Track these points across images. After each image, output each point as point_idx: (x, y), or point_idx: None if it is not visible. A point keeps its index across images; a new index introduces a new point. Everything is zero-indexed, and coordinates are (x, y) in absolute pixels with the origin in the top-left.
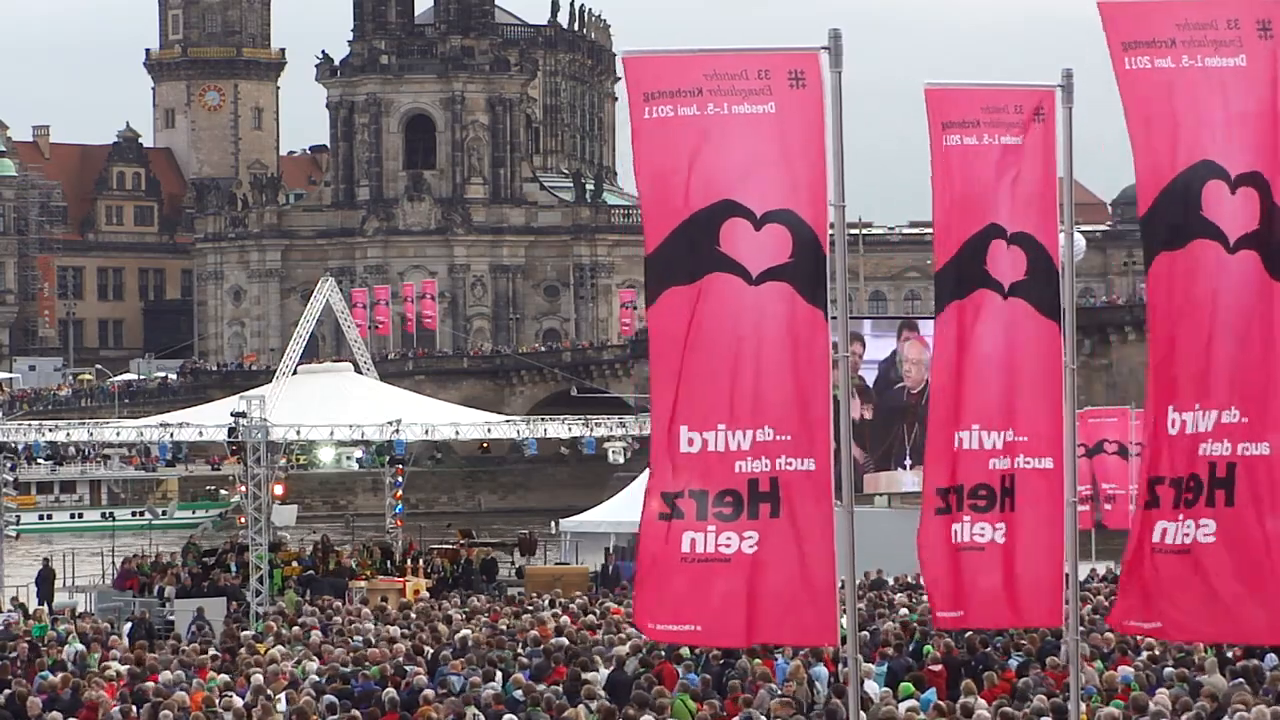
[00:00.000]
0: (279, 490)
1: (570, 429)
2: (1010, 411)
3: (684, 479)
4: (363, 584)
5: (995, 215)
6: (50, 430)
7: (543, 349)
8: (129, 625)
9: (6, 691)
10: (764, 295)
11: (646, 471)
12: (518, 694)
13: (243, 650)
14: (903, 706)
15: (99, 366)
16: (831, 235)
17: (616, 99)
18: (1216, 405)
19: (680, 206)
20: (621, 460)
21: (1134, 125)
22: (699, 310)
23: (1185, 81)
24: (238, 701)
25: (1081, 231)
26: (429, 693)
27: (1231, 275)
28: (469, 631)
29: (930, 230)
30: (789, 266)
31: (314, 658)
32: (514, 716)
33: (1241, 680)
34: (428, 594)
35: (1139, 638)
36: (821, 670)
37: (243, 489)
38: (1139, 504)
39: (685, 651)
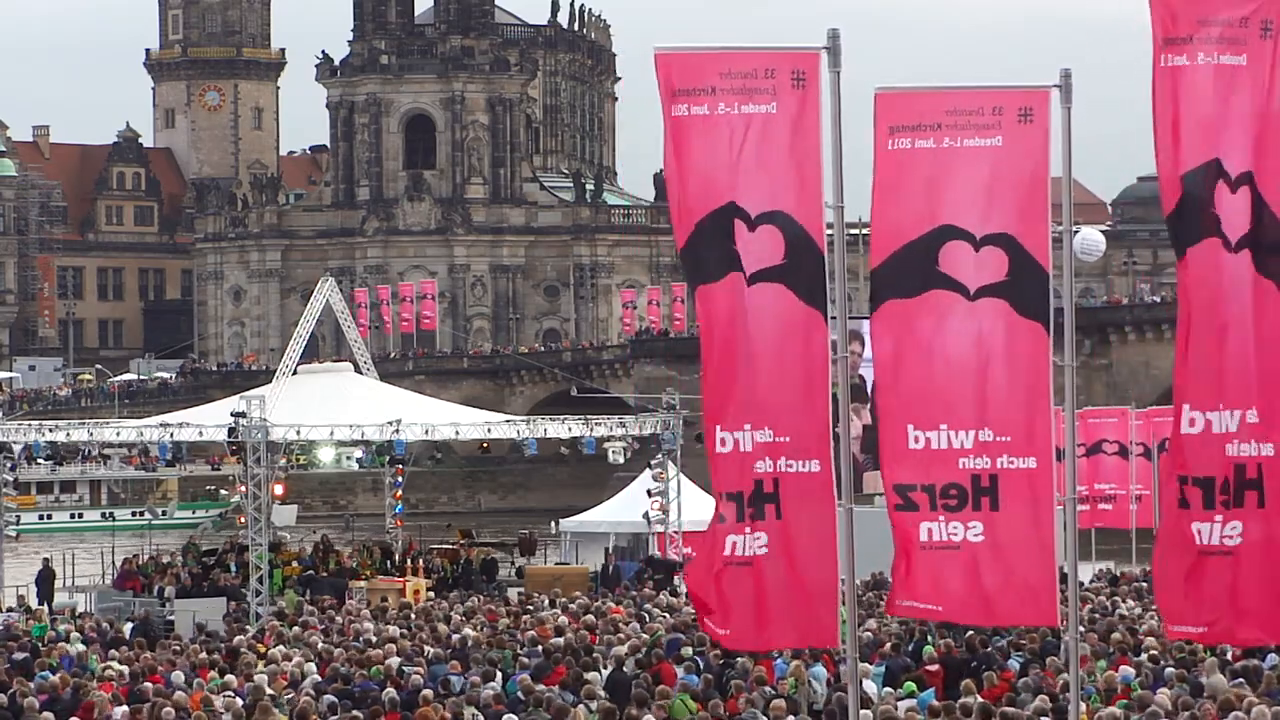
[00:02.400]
0: (279, 490)
1: (570, 429)
2: (983, 411)
3: (720, 480)
4: (363, 584)
5: (953, 217)
6: (50, 430)
7: (543, 349)
8: (129, 625)
9: (8, 692)
10: (758, 296)
11: (647, 471)
12: (519, 694)
13: (243, 650)
14: (903, 705)
15: (99, 366)
16: (831, 235)
17: (616, 99)
18: (1240, 405)
19: (697, 205)
20: (621, 460)
21: (1161, 122)
22: (716, 309)
23: (1204, 78)
24: (238, 701)
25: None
26: (429, 693)
27: (1234, 274)
28: (469, 631)
29: None
30: (782, 268)
31: (314, 658)
32: (514, 716)
33: (1241, 680)
34: (432, 594)
35: (1140, 637)
36: (820, 670)
37: (243, 489)
38: (1168, 503)
39: (686, 651)
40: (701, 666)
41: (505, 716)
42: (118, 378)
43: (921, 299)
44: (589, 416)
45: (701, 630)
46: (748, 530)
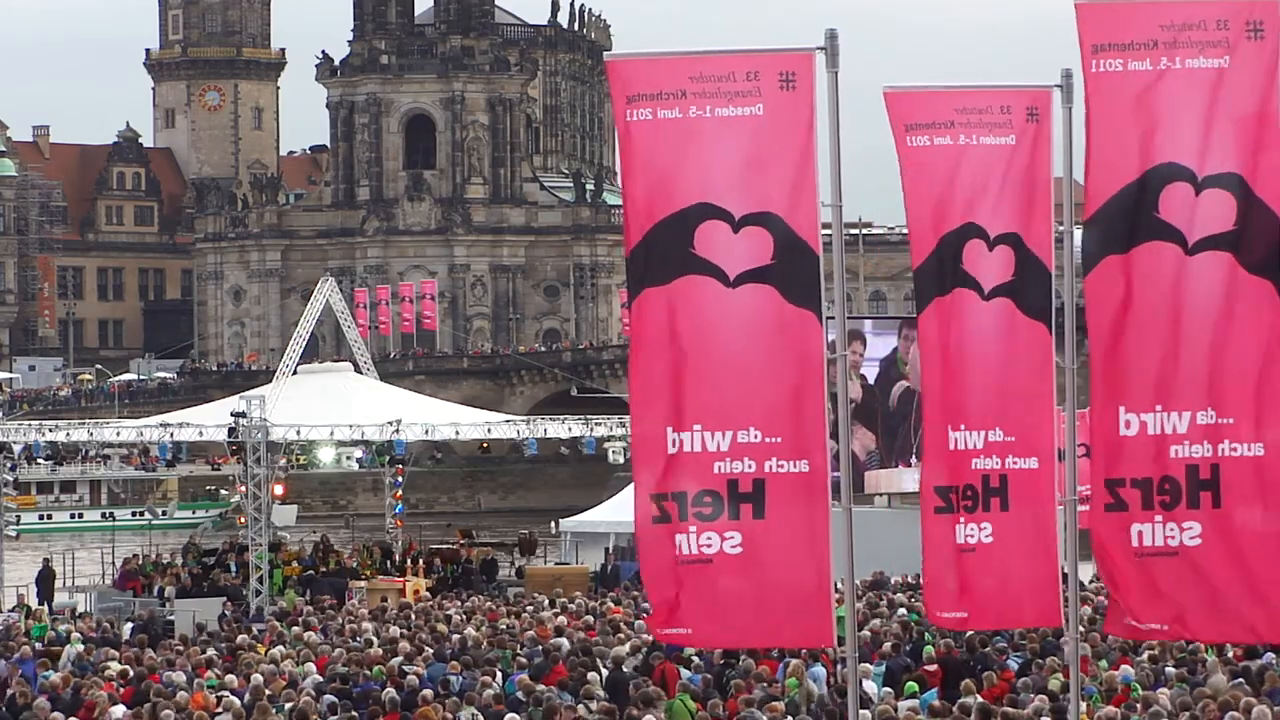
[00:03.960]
0: (279, 490)
1: (570, 429)
2: (995, 412)
3: (669, 481)
4: (363, 584)
5: (973, 215)
6: (50, 430)
7: (543, 349)
8: (129, 625)
9: (8, 692)
10: (742, 298)
11: None
12: (519, 694)
13: (243, 650)
14: (903, 706)
15: (99, 366)
16: (830, 235)
17: None
18: (1188, 407)
19: (658, 208)
20: (621, 460)
21: (1095, 128)
22: (673, 312)
23: (1158, 84)
24: (237, 702)
25: None
26: (428, 693)
27: (1192, 277)
28: (469, 631)
29: None
30: (770, 269)
31: (314, 658)
32: (514, 716)
33: (1241, 680)
34: (429, 594)
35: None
36: (819, 670)
37: (243, 489)
38: (1096, 506)
39: (688, 651)
40: (703, 666)
41: (506, 716)
42: (118, 378)
43: (949, 298)
44: (589, 416)
45: (650, 633)
46: (692, 530)
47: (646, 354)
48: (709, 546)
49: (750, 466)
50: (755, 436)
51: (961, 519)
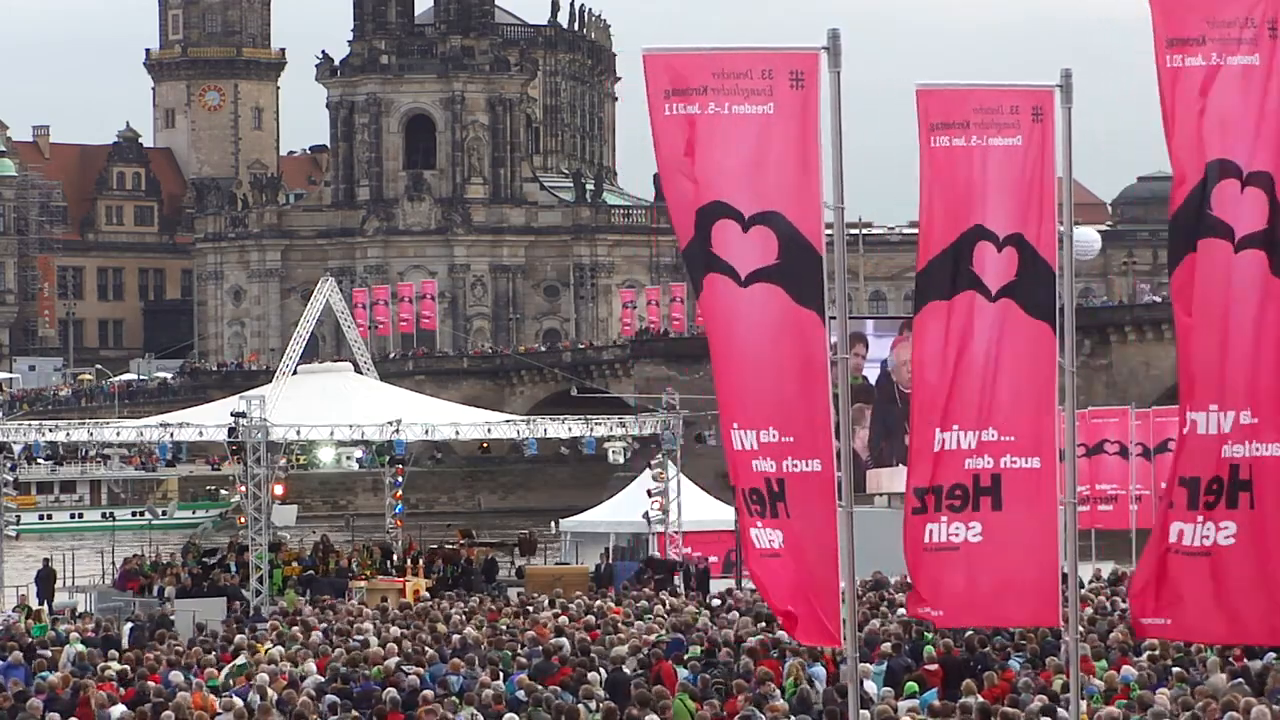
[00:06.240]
0: (279, 490)
1: (570, 429)
2: (992, 411)
3: (734, 475)
4: (363, 584)
5: (982, 217)
6: (50, 430)
7: (543, 349)
8: (129, 625)
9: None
10: (754, 296)
11: (647, 471)
12: (519, 694)
13: (243, 650)
14: (904, 705)
15: (99, 366)
16: (831, 235)
17: (616, 99)
18: (1234, 406)
19: (689, 205)
20: (621, 460)
21: (1169, 125)
22: (705, 310)
23: (1212, 80)
24: (238, 701)
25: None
26: (428, 693)
27: (1238, 275)
28: (469, 631)
29: None
30: (776, 268)
31: (314, 658)
32: (514, 716)
33: (1241, 680)
34: (428, 594)
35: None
36: (819, 670)
37: (243, 489)
38: (1163, 504)
39: (694, 650)
40: (701, 666)
41: (505, 716)
42: (118, 378)
43: (954, 301)
44: (589, 416)
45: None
46: (760, 524)
47: (710, 350)
48: (770, 541)
49: (772, 466)
50: (774, 436)
51: (944, 518)
